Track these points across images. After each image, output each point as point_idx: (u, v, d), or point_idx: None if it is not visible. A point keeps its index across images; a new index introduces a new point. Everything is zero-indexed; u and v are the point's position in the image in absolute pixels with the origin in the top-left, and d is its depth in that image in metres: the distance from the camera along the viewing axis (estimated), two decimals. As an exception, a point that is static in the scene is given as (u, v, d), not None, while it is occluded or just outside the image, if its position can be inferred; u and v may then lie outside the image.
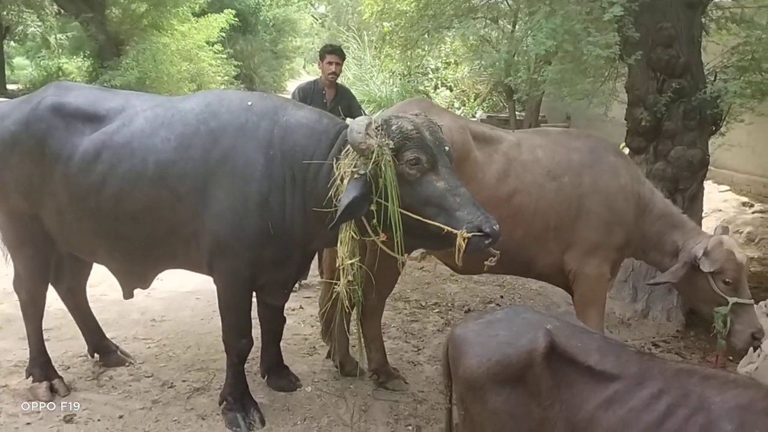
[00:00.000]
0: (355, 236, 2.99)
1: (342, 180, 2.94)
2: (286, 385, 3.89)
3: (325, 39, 31.81)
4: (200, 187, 3.18)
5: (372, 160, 2.83)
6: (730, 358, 4.42)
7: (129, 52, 14.49)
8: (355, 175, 2.88)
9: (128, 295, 3.80)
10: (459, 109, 16.33)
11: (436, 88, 17.77)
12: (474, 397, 2.27)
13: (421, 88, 17.38)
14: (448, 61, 17.30)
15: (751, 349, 4.13)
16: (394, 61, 15.63)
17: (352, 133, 2.86)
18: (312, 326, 4.81)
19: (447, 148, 2.99)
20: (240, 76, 20.61)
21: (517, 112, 13.72)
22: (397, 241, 2.90)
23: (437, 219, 2.85)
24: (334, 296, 3.19)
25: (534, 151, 3.77)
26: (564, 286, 3.96)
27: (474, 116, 15.34)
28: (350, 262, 3.00)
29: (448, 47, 15.82)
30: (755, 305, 3.78)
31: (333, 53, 5.63)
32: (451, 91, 17.61)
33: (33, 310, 3.74)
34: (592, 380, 2.16)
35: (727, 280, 3.51)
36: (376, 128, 2.88)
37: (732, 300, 3.50)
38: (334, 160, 3.04)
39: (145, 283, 3.74)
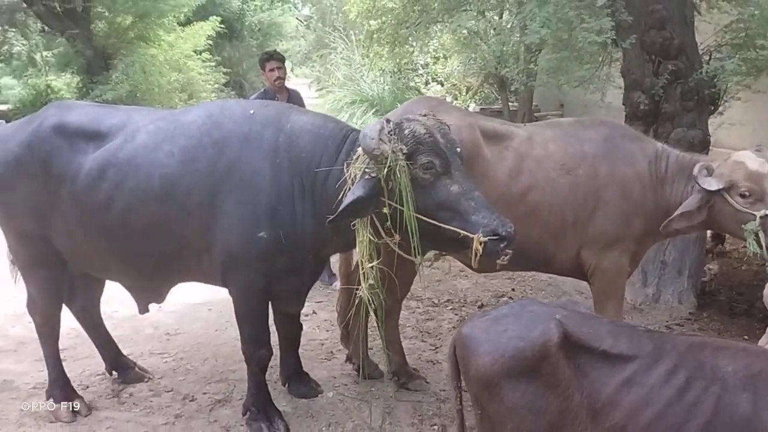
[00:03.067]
0: (372, 239, 2.97)
1: (353, 184, 2.93)
2: (308, 392, 3.88)
3: (312, 41, 31.79)
4: (208, 201, 3.15)
5: (385, 166, 2.82)
6: None
7: (118, 66, 14.39)
8: (366, 176, 2.88)
9: (143, 310, 3.79)
10: (451, 103, 16.31)
11: (426, 83, 17.75)
12: (489, 395, 2.25)
13: (412, 84, 17.34)
14: (437, 56, 17.29)
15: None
16: (383, 59, 15.62)
17: (365, 139, 2.85)
18: (327, 331, 4.80)
19: (459, 149, 2.98)
20: (229, 83, 20.54)
21: (510, 103, 13.73)
22: (415, 245, 2.89)
23: (452, 223, 2.84)
24: (357, 301, 3.17)
25: (546, 145, 3.70)
26: (585, 279, 3.92)
27: (466, 109, 15.33)
28: (370, 265, 2.98)
29: (437, 42, 15.84)
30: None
31: (272, 59, 5.62)
32: (442, 85, 17.60)
33: (49, 332, 3.72)
34: (608, 364, 2.17)
35: (743, 192, 3.28)
36: (389, 133, 2.86)
37: (760, 213, 3.22)
38: (345, 165, 3.02)
39: (160, 298, 3.73)
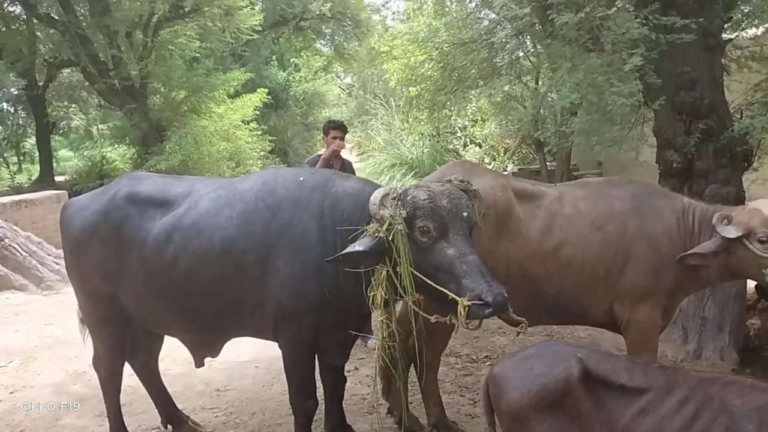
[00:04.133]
0: (384, 296, 3.19)
1: None
2: (351, 444, 4.03)
3: (353, 108, 32.81)
4: (262, 259, 3.44)
5: (385, 228, 3.08)
6: None
7: (171, 137, 15.20)
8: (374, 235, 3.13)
9: (199, 363, 4.05)
10: (490, 164, 16.59)
11: (465, 145, 18.13)
12: (519, 427, 2.47)
13: (451, 147, 17.76)
14: (475, 118, 17.73)
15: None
16: (422, 123, 16.14)
17: (371, 204, 3.17)
18: (368, 386, 4.95)
19: (465, 214, 3.16)
20: (274, 150, 21.32)
21: (548, 163, 13.93)
22: (413, 301, 3.13)
23: (449, 285, 3.02)
24: (384, 354, 3.37)
25: (576, 203, 3.88)
26: (620, 332, 4.01)
27: (505, 170, 15.58)
28: (380, 319, 3.23)
29: (474, 106, 16.31)
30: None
31: (336, 129, 6.05)
32: (481, 147, 17.95)
33: (112, 386, 4.01)
34: (625, 396, 2.38)
35: (761, 237, 3.43)
36: (393, 199, 3.14)
37: None
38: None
39: (215, 352, 3.98)
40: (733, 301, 6.01)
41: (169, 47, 15.82)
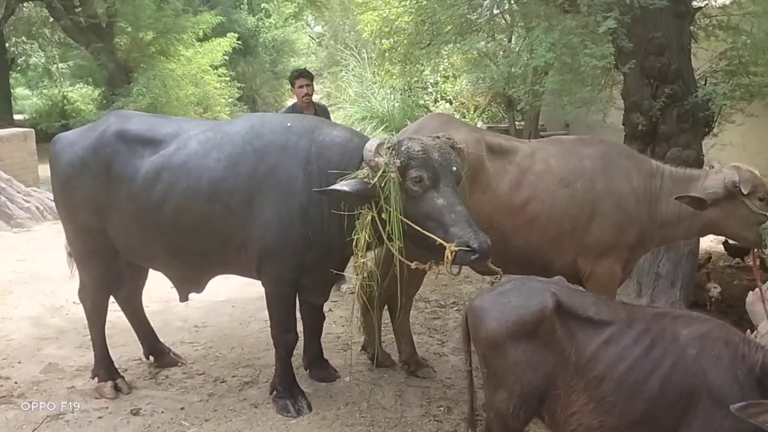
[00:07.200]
0: (368, 240, 3.36)
1: None
2: (327, 376, 4.29)
3: (323, 58, 32.32)
4: (248, 201, 3.58)
5: (378, 175, 3.24)
6: None
7: (138, 79, 14.91)
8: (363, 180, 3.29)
9: (183, 298, 4.20)
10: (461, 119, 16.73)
11: (436, 101, 18.16)
12: (496, 353, 2.73)
13: (422, 102, 17.79)
14: (446, 75, 17.75)
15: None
16: (394, 77, 16.08)
17: (366, 151, 3.31)
18: (342, 326, 5.19)
19: (455, 168, 3.34)
20: (243, 97, 21.02)
21: (516, 122, 14.14)
22: (398, 246, 3.29)
23: (436, 232, 3.20)
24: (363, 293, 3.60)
25: (547, 160, 4.03)
26: (581, 285, 4.18)
27: (475, 127, 15.73)
28: (362, 261, 3.41)
29: (447, 62, 16.31)
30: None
31: (301, 77, 6.07)
32: (451, 103, 18.00)
33: (97, 317, 4.14)
34: (591, 327, 2.66)
35: (761, 196, 3.70)
36: (388, 148, 3.29)
37: None
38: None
39: (199, 288, 4.14)
40: (686, 259, 6.38)
41: (137, -15, 15.32)
